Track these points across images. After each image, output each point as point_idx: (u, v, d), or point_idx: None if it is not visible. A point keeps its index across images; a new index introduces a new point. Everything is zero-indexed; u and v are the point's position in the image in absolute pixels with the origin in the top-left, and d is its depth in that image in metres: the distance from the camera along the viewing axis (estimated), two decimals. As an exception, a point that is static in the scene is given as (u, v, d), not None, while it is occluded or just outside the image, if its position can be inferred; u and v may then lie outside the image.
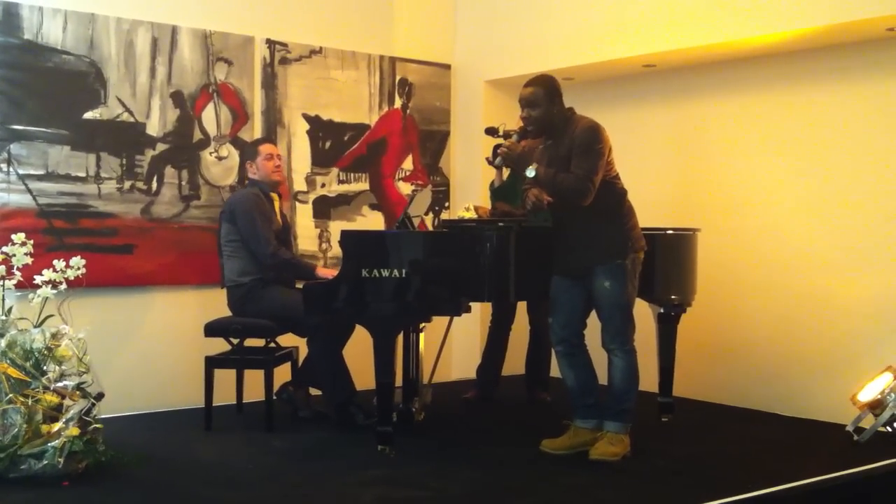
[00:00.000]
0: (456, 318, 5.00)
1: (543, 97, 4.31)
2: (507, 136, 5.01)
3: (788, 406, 5.37)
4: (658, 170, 6.10)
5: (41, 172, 5.07)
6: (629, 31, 5.68)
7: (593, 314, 4.45)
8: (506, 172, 5.49)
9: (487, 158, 5.11)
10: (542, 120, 4.35)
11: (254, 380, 5.11)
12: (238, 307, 5.07)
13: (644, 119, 6.23)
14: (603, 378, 4.44)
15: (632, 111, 6.28)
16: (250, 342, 5.05)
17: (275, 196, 5.25)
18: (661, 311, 5.06)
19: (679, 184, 6.03)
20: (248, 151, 5.36)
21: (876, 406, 4.65)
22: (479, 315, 6.20)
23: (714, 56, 5.60)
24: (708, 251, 5.28)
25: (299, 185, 6.02)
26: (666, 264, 4.92)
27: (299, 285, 4.94)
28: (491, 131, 5.33)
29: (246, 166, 5.28)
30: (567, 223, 4.40)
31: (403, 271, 4.28)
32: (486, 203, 5.79)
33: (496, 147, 4.57)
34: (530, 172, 4.27)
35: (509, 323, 5.80)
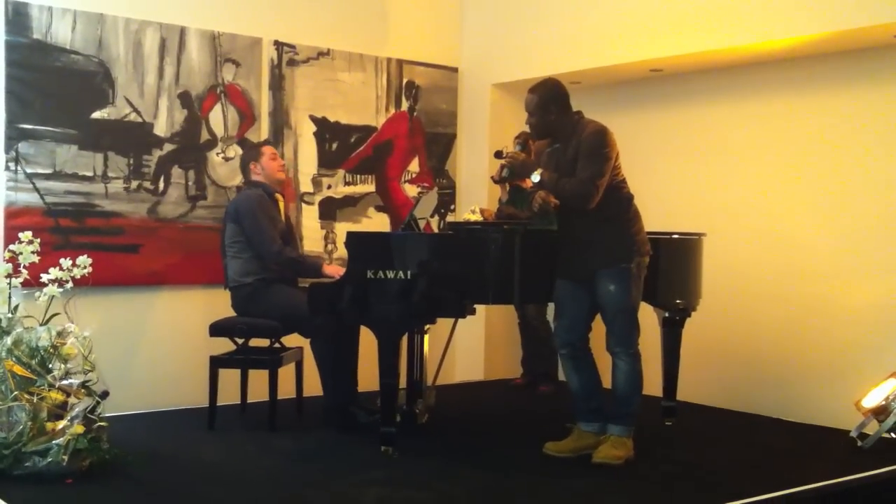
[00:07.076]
0: (460, 321, 5.00)
1: (536, 105, 4.34)
2: None
3: (792, 411, 5.36)
4: (664, 174, 6.10)
5: (49, 171, 5.09)
6: (636, 35, 5.69)
7: (598, 318, 4.45)
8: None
9: (493, 177, 5.16)
10: (538, 127, 4.39)
11: (258, 380, 5.12)
12: (242, 307, 5.07)
13: (650, 123, 6.23)
14: (607, 381, 4.44)
15: (638, 115, 6.28)
16: (255, 342, 5.07)
17: (279, 197, 5.25)
18: (666, 315, 5.06)
19: (685, 188, 6.03)
20: (250, 153, 5.31)
21: (880, 412, 4.65)
22: (483, 318, 6.21)
23: (721, 61, 5.60)
24: (713, 256, 5.28)
25: (305, 186, 6.03)
26: (671, 269, 4.91)
27: (304, 284, 4.95)
28: (498, 154, 5.38)
29: (249, 168, 5.23)
30: (573, 227, 4.40)
31: (408, 273, 4.29)
32: (492, 207, 5.82)
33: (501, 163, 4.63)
34: (535, 177, 4.28)
35: None
